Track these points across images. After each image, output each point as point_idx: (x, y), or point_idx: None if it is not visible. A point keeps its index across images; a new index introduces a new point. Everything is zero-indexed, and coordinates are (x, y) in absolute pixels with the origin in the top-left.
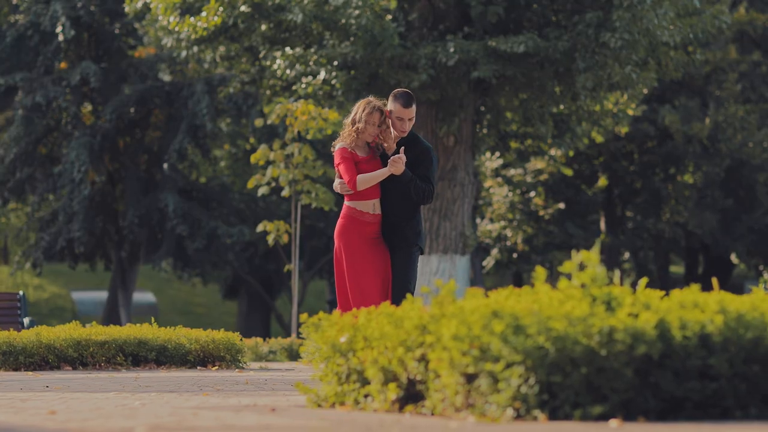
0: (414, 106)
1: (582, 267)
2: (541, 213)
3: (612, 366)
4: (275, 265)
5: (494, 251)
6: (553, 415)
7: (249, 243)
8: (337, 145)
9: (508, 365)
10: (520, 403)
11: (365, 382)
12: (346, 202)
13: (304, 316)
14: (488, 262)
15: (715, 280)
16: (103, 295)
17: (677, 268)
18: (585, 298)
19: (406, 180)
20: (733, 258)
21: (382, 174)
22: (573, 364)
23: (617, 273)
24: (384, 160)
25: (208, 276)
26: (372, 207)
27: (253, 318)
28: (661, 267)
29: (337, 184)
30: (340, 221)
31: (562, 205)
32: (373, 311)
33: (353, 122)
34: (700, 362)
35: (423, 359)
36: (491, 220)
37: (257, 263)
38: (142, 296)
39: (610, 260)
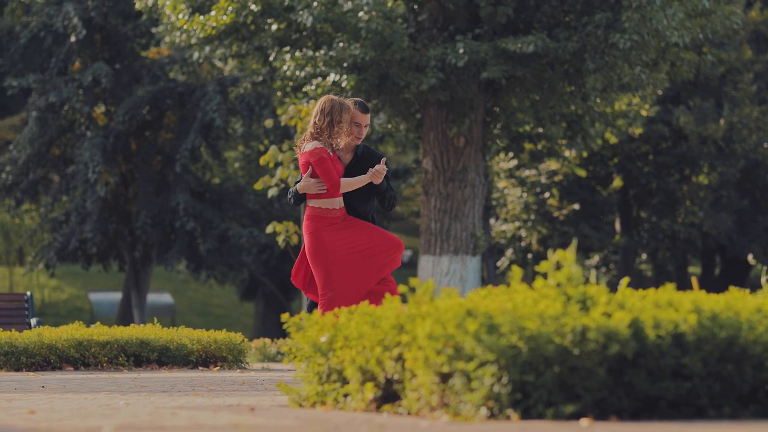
0: (369, 114)
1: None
2: (556, 214)
3: (585, 365)
4: (291, 266)
5: (509, 252)
6: (527, 414)
7: (265, 245)
8: (310, 145)
9: (482, 364)
10: (494, 402)
11: (345, 381)
12: (311, 203)
13: (285, 316)
14: (502, 263)
15: (694, 280)
16: (121, 296)
17: (696, 269)
18: (559, 298)
19: (382, 189)
20: (750, 259)
21: (361, 181)
22: (546, 363)
23: (593, 272)
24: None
25: (224, 277)
26: (338, 203)
27: (270, 319)
28: (679, 268)
29: (309, 184)
30: (308, 223)
31: (576, 206)
32: (354, 310)
33: (333, 122)
34: (674, 361)
35: (400, 359)
36: (505, 221)
37: (273, 265)
38: (160, 297)
39: (625, 261)
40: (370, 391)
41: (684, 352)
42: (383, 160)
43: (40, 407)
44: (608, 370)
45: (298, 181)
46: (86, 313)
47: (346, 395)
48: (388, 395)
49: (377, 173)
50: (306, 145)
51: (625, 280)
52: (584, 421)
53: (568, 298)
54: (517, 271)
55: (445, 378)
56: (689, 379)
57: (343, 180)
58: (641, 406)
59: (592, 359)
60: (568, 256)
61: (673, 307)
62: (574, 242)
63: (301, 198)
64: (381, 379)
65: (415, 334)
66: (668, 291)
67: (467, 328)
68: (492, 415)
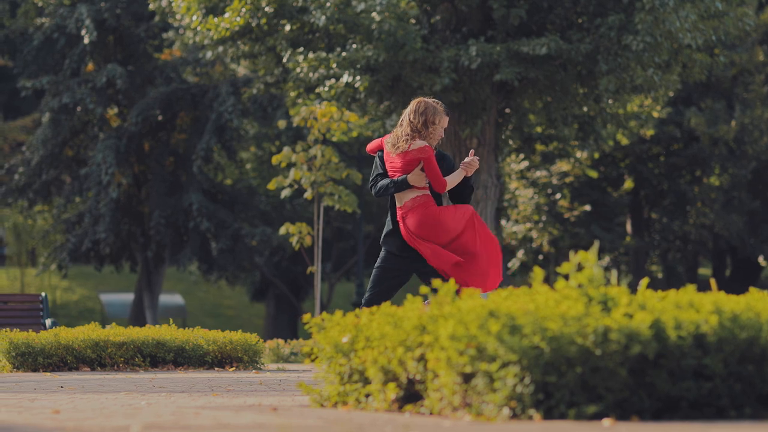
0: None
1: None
2: (567, 215)
3: (607, 366)
4: (302, 267)
5: (520, 253)
6: (549, 415)
7: (277, 246)
8: (420, 143)
9: (504, 365)
10: (516, 403)
11: (367, 381)
12: (421, 192)
13: (306, 317)
14: (513, 264)
15: (713, 281)
16: (132, 297)
17: (707, 271)
18: (581, 299)
19: (471, 182)
20: (761, 260)
21: (459, 175)
22: (568, 364)
23: (614, 273)
24: None
25: (236, 278)
26: None
27: (281, 320)
28: (690, 269)
29: (421, 177)
30: (430, 201)
31: (588, 207)
32: (376, 311)
33: (427, 122)
34: (695, 362)
35: (422, 359)
36: (517, 222)
37: (284, 266)
38: (171, 298)
39: (636, 262)
40: (392, 392)
41: (705, 353)
42: (471, 151)
43: (63, 407)
44: (630, 370)
45: (378, 174)
46: (97, 314)
47: (367, 395)
48: (410, 395)
49: (471, 164)
50: (414, 143)
51: (644, 281)
52: (606, 422)
53: (589, 299)
54: (538, 273)
55: (467, 378)
56: (710, 379)
57: (447, 178)
58: (662, 406)
59: (614, 360)
60: (589, 257)
61: (694, 308)
62: (596, 244)
63: (401, 190)
64: (403, 379)
65: (437, 334)
66: (689, 292)
67: (490, 329)
68: (514, 416)
